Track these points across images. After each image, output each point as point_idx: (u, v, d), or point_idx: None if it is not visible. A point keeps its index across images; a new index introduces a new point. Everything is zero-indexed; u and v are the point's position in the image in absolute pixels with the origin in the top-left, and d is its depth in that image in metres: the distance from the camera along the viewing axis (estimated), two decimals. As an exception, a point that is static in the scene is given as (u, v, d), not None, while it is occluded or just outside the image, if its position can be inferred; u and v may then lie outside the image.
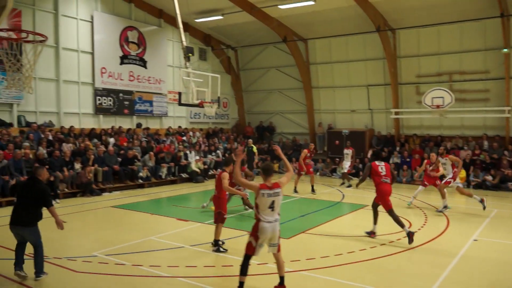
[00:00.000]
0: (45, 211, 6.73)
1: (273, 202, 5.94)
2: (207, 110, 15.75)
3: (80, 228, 10.41)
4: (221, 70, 24.67)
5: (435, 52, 19.87)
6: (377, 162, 9.42)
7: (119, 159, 16.46)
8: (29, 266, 6.73)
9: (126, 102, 19.57)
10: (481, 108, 18.90)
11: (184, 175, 18.51)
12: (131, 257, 7.81)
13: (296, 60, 22.77)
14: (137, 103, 20.06)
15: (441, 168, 12.68)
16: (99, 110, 18.47)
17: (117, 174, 16.13)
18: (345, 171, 17.64)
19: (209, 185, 16.64)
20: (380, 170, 9.23)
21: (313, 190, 15.58)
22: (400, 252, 8.27)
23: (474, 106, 19.05)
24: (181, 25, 15.75)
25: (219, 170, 8.80)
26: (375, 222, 9.40)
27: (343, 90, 22.77)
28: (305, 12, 19.39)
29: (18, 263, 6.69)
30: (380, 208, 9.24)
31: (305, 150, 15.96)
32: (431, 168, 12.89)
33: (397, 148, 20.23)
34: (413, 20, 18.86)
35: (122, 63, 19.36)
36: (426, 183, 12.86)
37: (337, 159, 20.80)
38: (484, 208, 11.82)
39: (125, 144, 17.53)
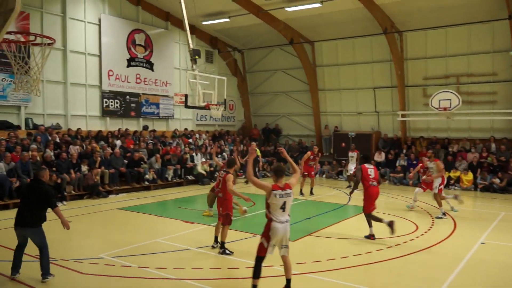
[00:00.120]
0: (51, 214, 6.77)
1: (284, 203, 5.96)
2: (213, 112, 15.78)
3: (87, 230, 10.46)
4: (228, 72, 24.72)
5: (442, 54, 19.77)
6: (366, 165, 9.54)
7: (126, 161, 16.53)
8: (35, 268, 6.78)
9: (133, 105, 19.66)
10: (488, 111, 18.77)
11: (190, 177, 18.54)
12: (137, 259, 7.83)
13: (302, 62, 22.76)
14: (143, 105, 20.14)
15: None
16: (106, 112, 18.57)
17: (124, 176, 16.20)
18: (351, 173, 17.62)
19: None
20: (369, 173, 9.41)
21: (311, 193, 15.63)
22: (407, 255, 8.22)
23: (481, 109, 18.93)
24: (188, 28, 15.81)
25: (222, 172, 8.75)
26: (369, 225, 9.45)
27: (350, 92, 22.71)
28: (311, 14, 19.39)
29: (15, 267, 6.75)
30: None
31: (309, 152, 16.02)
32: (423, 177, 12.82)
33: (404, 151, 20.14)
34: (421, 22, 18.80)
35: (129, 65, 19.46)
36: (423, 186, 12.74)
37: (343, 162, 20.75)
38: (452, 209, 12.21)
39: (131, 146, 17.60)
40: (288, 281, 6.13)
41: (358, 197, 15.28)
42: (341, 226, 10.74)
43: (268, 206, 5.99)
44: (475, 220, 11.65)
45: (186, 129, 21.96)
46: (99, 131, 17.76)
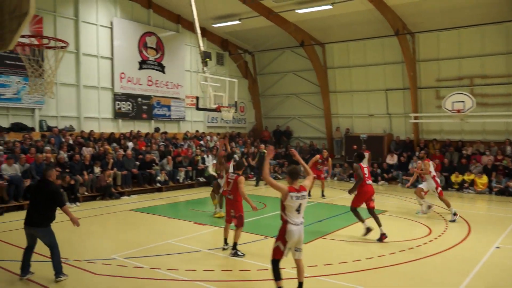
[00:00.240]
0: (64, 215, 6.83)
1: (299, 205, 5.94)
2: (224, 114, 15.80)
3: (100, 231, 10.54)
4: (238, 74, 24.76)
5: (455, 56, 19.56)
6: (362, 164, 9.70)
7: (138, 163, 16.63)
8: (48, 268, 6.84)
9: (145, 107, 19.78)
10: (503, 113, 18.46)
11: (201, 179, 18.58)
12: (149, 260, 7.86)
13: (313, 64, 22.70)
14: (155, 107, 20.26)
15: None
16: (118, 114, 18.71)
17: (136, 178, 16.29)
18: None
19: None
20: (365, 172, 9.62)
21: (322, 195, 15.60)
22: (420, 258, 8.12)
23: (496, 111, 18.65)
24: (198, 30, 15.86)
25: (232, 174, 8.70)
26: (379, 224, 9.44)
27: (361, 95, 22.59)
28: (322, 16, 19.34)
29: (24, 269, 6.81)
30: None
31: (317, 156, 15.95)
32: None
33: (416, 153, 19.95)
34: (433, 24, 18.63)
35: (140, 68, 19.60)
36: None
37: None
38: (423, 212, 12.10)
39: (143, 148, 17.70)
40: (300, 284, 6.10)
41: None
42: (353, 229, 10.65)
43: (283, 208, 5.95)
44: (490, 224, 11.48)
45: (197, 131, 22.04)
46: (112, 133, 17.92)
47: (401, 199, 15.50)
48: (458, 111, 17.23)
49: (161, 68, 20.47)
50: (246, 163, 20.05)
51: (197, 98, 16.07)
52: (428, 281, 7.03)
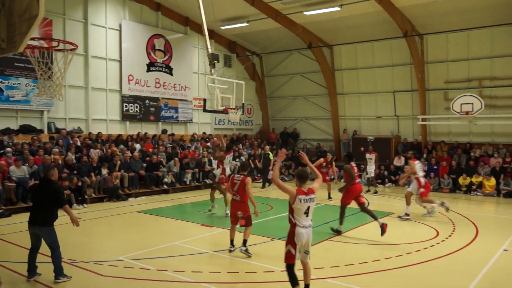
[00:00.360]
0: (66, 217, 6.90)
1: (308, 208, 5.93)
2: (232, 116, 15.82)
3: (107, 232, 10.61)
4: (246, 76, 24.80)
5: (464, 58, 19.44)
6: (352, 164, 10.24)
7: (145, 165, 16.70)
8: (49, 269, 6.89)
9: (152, 109, 19.88)
10: (512, 115, 18.35)
11: (208, 181, 18.60)
12: (155, 262, 7.89)
13: (321, 66, 22.68)
14: (162, 109, 20.34)
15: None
16: (126, 116, 18.82)
17: (143, 179, 16.36)
18: (372, 175, 17.50)
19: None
20: (355, 171, 10.17)
21: (329, 197, 15.62)
22: (427, 261, 8.07)
23: (505, 113, 18.47)
24: (206, 33, 15.88)
25: (238, 175, 8.70)
26: (375, 218, 9.84)
27: (369, 96, 22.52)
28: (330, 18, 19.30)
29: (31, 271, 6.87)
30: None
31: (321, 159, 15.99)
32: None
33: (424, 155, 19.84)
34: (442, 25, 18.51)
35: (148, 70, 19.70)
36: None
37: (362, 166, 20.53)
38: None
39: (150, 150, 17.77)
40: (307, 286, 6.09)
41: (377, 202, 15.19)
42: (359, 231, 10.62)
43: (292, 211, 5.94)
44: (498, 227, 11.38)
45: (204, 133, 22.10)
46: (119, 135, 18.02)
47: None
48: (467, 113, 17.12)
49: (169, 70, 20.56)
50: (252, 165, 20.08)
51: (205, 100, 16.12)
52: (435, 284, 6.98)
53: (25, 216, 6.93)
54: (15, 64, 15.12)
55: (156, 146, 18.31)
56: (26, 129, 15.48)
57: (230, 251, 8.54)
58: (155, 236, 10.04)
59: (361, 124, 23.12)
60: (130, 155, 16.45)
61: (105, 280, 7.00)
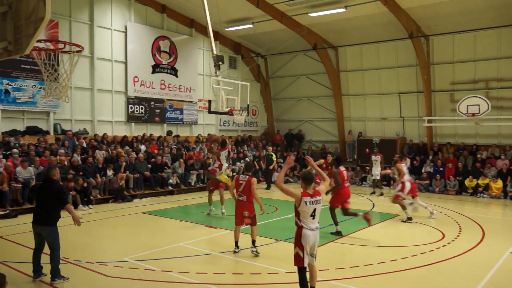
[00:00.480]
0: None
1: (314, 210, 5.88)
2: (236, 118, 15.82)
3: (112, 233, 10.63)
4: (251, 78, 24.81)
5: (471, 59, 19.31)
6: (341, 168, 10.28)
7: (150, 166, 16.74)
8: (61, 268, 6.92)
9: (157, 110, 19.93)
10: (519, 117, 18.22)
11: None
12: (160, 263, 7.90)
13: (326, 67, 22.64)
14: (168, 111, 20.39)
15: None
16: (131, 118, 18.88)
17: (148, 180, 16.40)
18: (378, 177, 17.42)
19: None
20: (344, 175, 10.26)
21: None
22: (433, 263, 8.03)
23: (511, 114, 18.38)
24: (211, 34, 15.92)
25: (243, 176, 8.70)
26: (355, 215, 10.14)
27: (374, 98, 22.45)
28: (335, 19, 19.27)
29: (36, 272, 6.91)
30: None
31: (321, 160, 15.80)
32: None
33: (430, 157, 19.74)
34: (448, 26, 18.41)
35: (154, 72, 19.76)
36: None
37: (367, 168, 20.49)
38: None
39: (155, 151, 17.82)
40: (312, 288, 6.07)
41: (382, 204, 15.12)
42: (364, 233, 10.58)
43: (298, 214, 5.89)
44: (504, 229, 11.30)
45: (209, 134, 22.10)
46: (124, 136, 18.09)
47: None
48: (473, 114, 17.03)
49: (174, 71, 20.61)
50: (257, 166, 20.07)
51: (210, 101, 16.11)
52: (441, 286, 6.94)
53: (31, 217, 6.96)
54: (22, 66, 15.22)
55: (161, 147, 18.35)
56: (32, 131, 15.57)
57: (234, 252, 8.54)
58: (160, 237, 10.06)
59: (366, 125, 23.05)
60: (135, 156, 16.50)
61: (110, 280, 7.02)
